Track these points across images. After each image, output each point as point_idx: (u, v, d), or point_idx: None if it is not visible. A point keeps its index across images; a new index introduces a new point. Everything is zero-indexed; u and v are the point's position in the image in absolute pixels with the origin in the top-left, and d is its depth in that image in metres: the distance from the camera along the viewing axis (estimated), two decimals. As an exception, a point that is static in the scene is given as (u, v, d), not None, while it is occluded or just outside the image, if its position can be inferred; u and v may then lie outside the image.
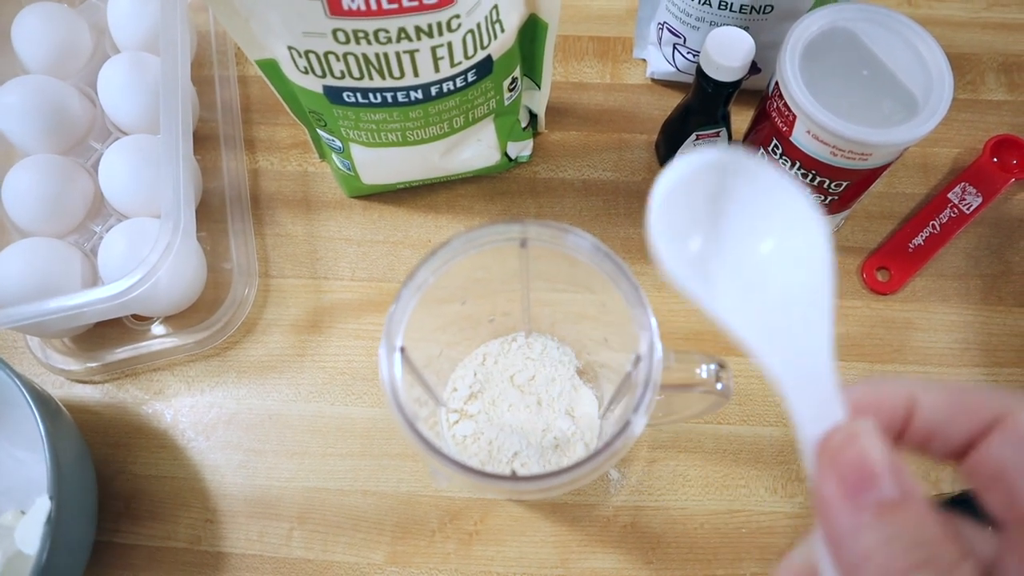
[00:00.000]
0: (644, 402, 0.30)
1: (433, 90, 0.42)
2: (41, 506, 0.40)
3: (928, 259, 0.50)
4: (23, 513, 0.45)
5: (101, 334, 0.50)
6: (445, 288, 0.35)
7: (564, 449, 0.43)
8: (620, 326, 0.35)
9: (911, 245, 0.51)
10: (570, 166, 0.53)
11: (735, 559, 0.44)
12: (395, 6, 0.36)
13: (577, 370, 0.45)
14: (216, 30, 0.58)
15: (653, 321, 0.31)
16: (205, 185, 0.54)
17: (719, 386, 0.34)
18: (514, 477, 0.29)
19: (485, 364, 0.45)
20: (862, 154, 0.41)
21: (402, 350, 0.32)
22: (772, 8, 0.47)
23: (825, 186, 0.44)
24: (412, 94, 0.42)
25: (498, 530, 0.45)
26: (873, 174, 0.43)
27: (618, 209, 0.52)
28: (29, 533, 0.42)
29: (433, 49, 0.39)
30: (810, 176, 0.44)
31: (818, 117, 0.40)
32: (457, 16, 0.38)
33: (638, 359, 0.32)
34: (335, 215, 0.53)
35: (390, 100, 0.42)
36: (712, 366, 0.34)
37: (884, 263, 0.50)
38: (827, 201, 0.45)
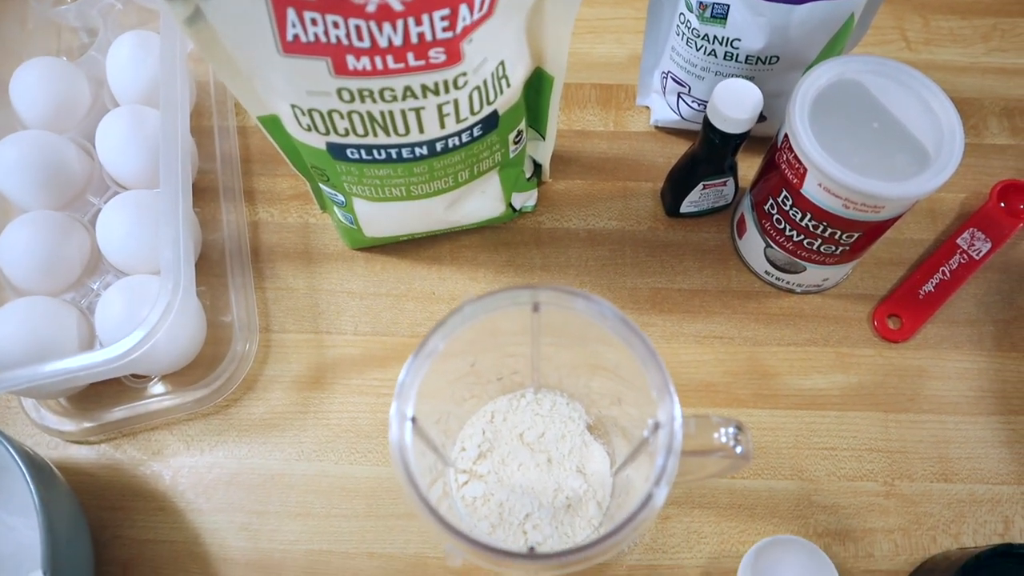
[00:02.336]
0: (665, 474, 0.29)
1: (438, 146, 0.41)
2: None
3: (939, 306, 0.50)
4: None
5: (98, 393, 0.48)
6: (455, 352, 0.34)
7: (576, 509, 0.42)
8: (634, 385, 0.35)
9: (921, 292, 0.50)
10: (575, 215, 0.53)
11: (753, 620, 0.43)
12: (401, 66, 0.35)
13: (587, 426, 0.44)
14: (216, 81, 0.57)
15: (674, 394, 0.30)
16: (204, 237, 0.53)
17: (738, 450, 0.33)
18: (532, 555, 0.28)
19: (494, 422, 0.44)
20: (875, 207, 0.40)
21: (413, 420, 0.31)
22: (778, 59, 0.47)
23: (836, 237, 0.43)
24: (417, 150, 0.41)
25: (508, 593, 0.44)
26: (885, 225, 0.43)
27: (624, 259, 0.52)
28: None
29: (439, 106, 0.38)
30: (821, 227, 0.43)
31: (830, 171, 0.39)
32: (464, 74, 0.37)
33: (656, 426, 0.31)
34: (337, 268, 0.52)
35: (394, 156, 0.41)
36: (731, 429, 0.33)
37: (895, 310, 0.50)
38: (838, 251, 0.45)
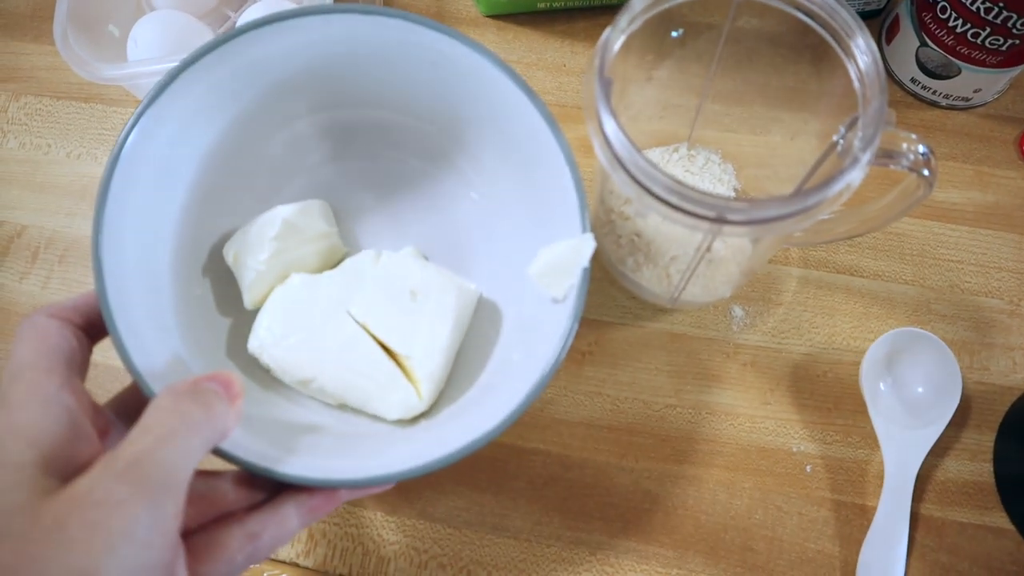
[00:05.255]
0: (872, 145, 0.28)
1: None
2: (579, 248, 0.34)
3: (1094, 137, 0.48)
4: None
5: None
6: (635, 55, 0.34)
7: (717, 265, 0.41)
8: (824, 91, 0.35)
9: (1075, 122, 0.48)
10: (717, 12, 0.51)
11: (856, 410, 0.43)
12: None
13: (736, 191, 0.44)
14: None
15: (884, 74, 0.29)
16: None
17: (925, 172, 0.32)
18: (726, 198, 0.28)
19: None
20: (1065, -21, 0.38)
21: (609, 82, 0.31)
22: None
23: (1009, 24, 0.41)
24: None
25: (612, 353, 0.44)
26: (1065, 15, 0.40)
27: (761, 58, 0.50)
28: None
29: None
30: (995, 11, 0.41)
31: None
32: None
33: (854, 120, 0.30)
34: (468, 33, 0.51)
35: None
36: (921, 147, 0.32)
37: (1044, 136, 0.48)
38: (1005, 46, 0.43)
